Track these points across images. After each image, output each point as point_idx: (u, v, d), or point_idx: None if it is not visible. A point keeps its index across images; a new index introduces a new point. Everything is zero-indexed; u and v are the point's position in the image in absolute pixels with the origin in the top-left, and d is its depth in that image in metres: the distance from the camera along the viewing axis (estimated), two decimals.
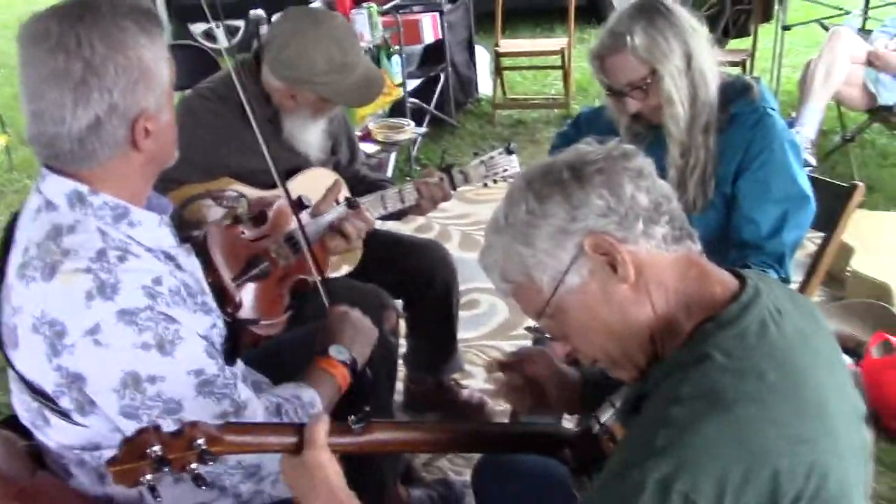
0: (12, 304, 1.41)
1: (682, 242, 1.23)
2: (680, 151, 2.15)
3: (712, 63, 2.13)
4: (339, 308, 1.85)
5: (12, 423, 1.59)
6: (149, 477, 1.16)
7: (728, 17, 5.83)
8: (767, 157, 2.14)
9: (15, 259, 1.42)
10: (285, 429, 1.30)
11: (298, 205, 2.06)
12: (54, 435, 1.49)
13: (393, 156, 4.86)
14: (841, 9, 5.30)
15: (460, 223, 4.46)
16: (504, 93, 6.24)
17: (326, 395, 1.69)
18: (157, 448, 1.16)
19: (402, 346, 2.83)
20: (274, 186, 2.52)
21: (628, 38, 2.05)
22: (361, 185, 2.74)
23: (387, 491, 2.38)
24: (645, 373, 1.24)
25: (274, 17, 2.75)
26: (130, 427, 1.39)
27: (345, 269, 2.60)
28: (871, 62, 4.47)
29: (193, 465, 1.18)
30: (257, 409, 1.52)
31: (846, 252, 3.46)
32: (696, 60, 2.08)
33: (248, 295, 1.78)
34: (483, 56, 6.44)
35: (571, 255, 1.20)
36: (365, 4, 4.76)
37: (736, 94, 2.17)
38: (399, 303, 2.74)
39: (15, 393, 1.53)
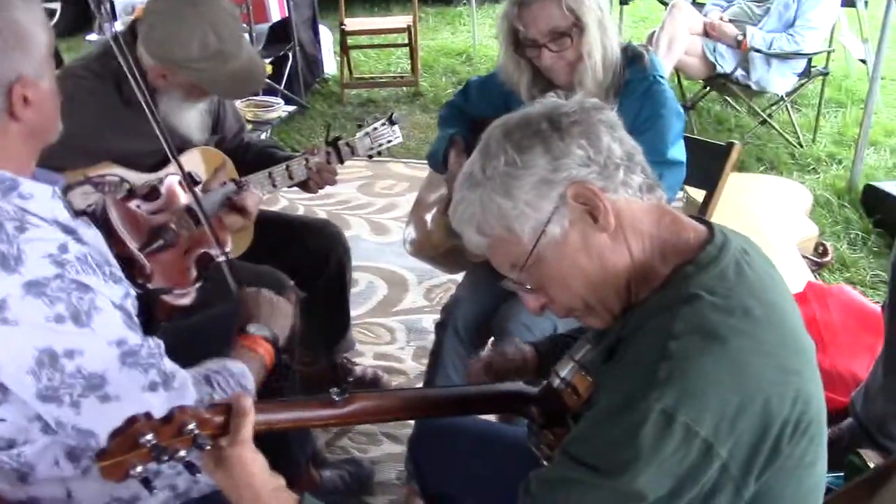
0: None
1: (654, 191, 1.25)
2: None
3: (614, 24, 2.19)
4: (250, 289, 1.79)
5: None
6: (139, 469, 1.08)
7: None
8: (654, 122, 2.21)
9: None
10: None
11: (191, 180, 1.97)
12: None
13: (265, 135, 4.72)
14: None
15: (325, 203, 4.40)
16: (350, 72, 6.18)
17: (254, 370, 1.62)
18: (149, 436, 1.08)
19: None
20: (156, 169, 2.42)
21: None
22: (249, 153, 2.66)
23: (300, 474, 2.34)
24: (617, 318, 1.26)
25: None
26: (49, 412, 1.30)
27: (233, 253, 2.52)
28: (708, 33, 4.74)
29: (183, 453, 1.10)
30: (186, 380, 1.44)
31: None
32: (605, 16, 2.13)
33: (156, 266, 1.70)
34: (326, 35, 6.35)
35: (553, 205, 1.19)
36: None
37: (629, 60, 2.23)
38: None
39: None
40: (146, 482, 1.10)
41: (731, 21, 4.80)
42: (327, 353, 2.91)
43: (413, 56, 6.09)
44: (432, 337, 3.28)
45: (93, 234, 1.45)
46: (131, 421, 1.10)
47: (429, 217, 2.75)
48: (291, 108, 5.00)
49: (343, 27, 5.94)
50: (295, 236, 2.69)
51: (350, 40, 6.11)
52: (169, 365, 1.42)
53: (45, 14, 1.36)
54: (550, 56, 2.15)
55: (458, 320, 2.33)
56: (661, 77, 2.25)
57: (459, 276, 3.49)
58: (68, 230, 1.38)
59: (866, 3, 5.17)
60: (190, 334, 1.90)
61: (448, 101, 2.67)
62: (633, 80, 2.21)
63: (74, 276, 1.29)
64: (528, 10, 2.13)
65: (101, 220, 1.61)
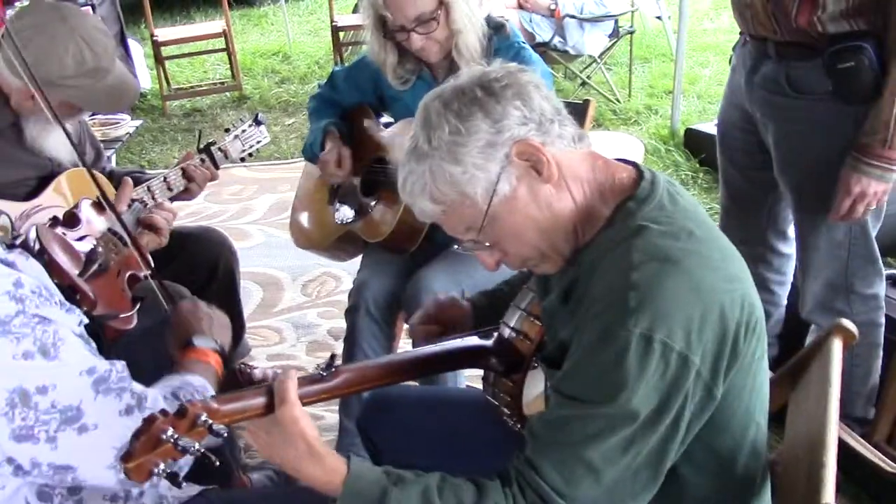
0: None
1: (584, 140, 1.37)
2: None
3: None
4: (186, 303, 1.79)
5: None
6: (161, 467, 1.10)
7: None
8: None
9: None
10: (258, 391, 1.27)
11: (105, 203, 1.94)
12: None
13: (114, 155, 4.54)
14: None
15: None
16: (168, 83, 6.03)
17: (210, 382, 1.64)
18: (170, 432, 1.09)
19: None
20: (30, 197, 2.33)
21: None
22: (114, 181, 2.59)
23: (232, 480, 2.34)
24: (568, 261, 1.37)
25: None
26: (24, 452, 1.28)
27: None
28: (522, 5, 4.97)
29: (198, 445, 1.13)
30: (157, 398, 1.44)
31: None
32: None
33: (97, 291, 1.67)
34: (137, 49, 6.15)
35: (500, 164, 1.28)
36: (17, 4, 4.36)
37: (493, 30, 2.35)
38: None
39: None
40: (173, 477, 1.12)
41: None
42: (225, 361, 2.89)
43: (232, 60, 6.01)
44: (320, 330, 3.36)
45: (32, 266, 1.43)
46: (150, 420, 1.12)
47: (304, 218, 2.78)
48: (138, 122, 4.82)
49: (155, 38, 5.78)
50: (179, 247, 2.65)
51: (164, 51, 5.96)
52: (138, 386, 1.42)
53: None
54: (420, 39, 2.22)
55: (368, 302, 2.38)
56: (525, 42, 2.38)
57: (334, 267, 3.58)
58: (8, 264, 1.36)
59: None
60: (120, 352, 1.88)
61: (314, 93, 2.70)
62: (500, 48, 2.32)
63: (35, 311, 1.28)
64: None
65: (36, 252, 1.57)
